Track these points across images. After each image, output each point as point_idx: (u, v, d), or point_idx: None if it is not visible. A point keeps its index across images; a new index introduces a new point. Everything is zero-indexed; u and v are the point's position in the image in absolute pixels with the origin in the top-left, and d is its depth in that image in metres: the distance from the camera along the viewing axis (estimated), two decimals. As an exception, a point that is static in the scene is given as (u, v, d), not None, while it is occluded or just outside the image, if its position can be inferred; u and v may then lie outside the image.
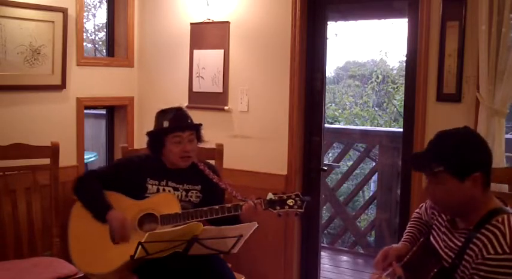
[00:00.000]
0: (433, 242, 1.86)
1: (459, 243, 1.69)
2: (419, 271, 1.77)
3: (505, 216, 1.62)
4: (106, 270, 2.35)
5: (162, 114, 2.58)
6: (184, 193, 2.55)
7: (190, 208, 2.47)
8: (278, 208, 2.39)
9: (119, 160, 2.77)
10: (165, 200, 2.47)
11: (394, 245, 1.99)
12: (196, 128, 2.58)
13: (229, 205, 2.39)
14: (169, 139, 2.50)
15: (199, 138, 2.61)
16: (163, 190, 2.53)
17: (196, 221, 2.27)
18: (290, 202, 2.39)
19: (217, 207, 2.39)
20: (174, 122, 2.50)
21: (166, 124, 2.51)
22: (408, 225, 2.08)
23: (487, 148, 1.69)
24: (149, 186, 2.52)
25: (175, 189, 2.54)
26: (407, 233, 2.04)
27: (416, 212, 2.09)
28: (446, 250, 1.75)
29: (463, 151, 1.65)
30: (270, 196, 2.41)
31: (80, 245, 2.43)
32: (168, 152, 2.53)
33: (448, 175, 1.65)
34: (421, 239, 1.95)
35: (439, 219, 1.87)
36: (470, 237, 1.63)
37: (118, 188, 2.51)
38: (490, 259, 1.54)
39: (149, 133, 2.58)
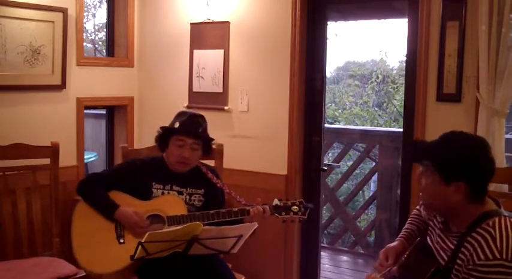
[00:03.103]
0: (429, 242, 1.86)
1: (452, 246, 1.69)
2: (416, 271, 1.77)
3: (496, 219, 1.60)
4: (110, 270, 2.35)
5: (179, 114, 2.59)
6: (188, 197, 2.55)
7: (193, 212, 2.47)
8: (284, 213, 2.42)
9: (123, 163, 2.74)
10: (171, 201, 2.48)
11: (390, 244, 1.99)
12: (204, 139, 2.56)
13: (236, 209, 2.40)
14: (173, 140, 2.51)
15: (207, 150, 2.60)
16: (168, 193, 2.52)
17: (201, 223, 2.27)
18: (295, 208, 2.43)
19: (224, 210, 2.39)
20: (184, 126, 2.51)
21: (177, 125, 2.52)
22: (407, 221, 2.08)
23: (487, 165, 1.65)
24: (154, 190, 2.52)
25: (180, 193, 2.54)
26: (405, 230, 2.04)
27: (417, 209, 2.09)
28: (440, 251, 1.76)
29: (456, 156, 1.64)
30: (275, 201, 2.44)
31: (84, 243, 2.43)
32: (169, 152, 2.54)
33: (434, 172, 1.67)
34: (418, 239, 1.96)
35: (434, 220, 1.87)
36: (462, 241, 1.63)
37: (122, 191, 2.51)
38: (481, 265, 1.54)
39: (161, 128, 2.57)
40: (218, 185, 2.55)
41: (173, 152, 2.51)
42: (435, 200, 1.70)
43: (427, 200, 1.74)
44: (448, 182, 1.64)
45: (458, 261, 1.62)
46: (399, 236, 2.03)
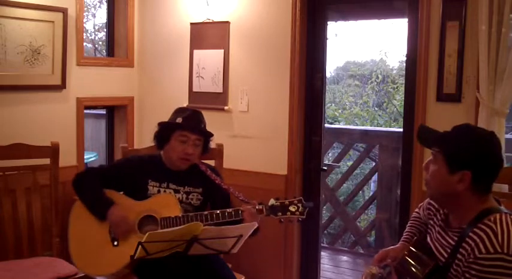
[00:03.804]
0: (429, 240, 1.87)
1: (452, 242, 1.70)
2: (415, 269, 1.77)
3: (497, 215, 1.62)
4: (107, 272, 2.35)
5: (179, 110, 2.58)
6: (185, 196, 2.54)
7: (191, 211, 2.46)
8: (280, 214, 2.38)
9: (119, 160, 2.75)
10: (165, 201, 2.46)
11: (392, 247, 1.99)
12: (206, 135, 2.56)
13: (230, 210, 2.38)
14: (176, 136, 2.49)
15: (205, 148, 2.59)
16: (164, 192, 2.52)
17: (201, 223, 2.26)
18: (292, 208, 2.39)
19: (218, 211, 2.38)
20: (187, 121, 2.49)
21: (179, 120, 2.50)
22: (408, 224, 2.09)
23: (495, 158, 1.67)
24: (150, 188, 2.51)
25: (176, 191, 2.53)
26: (406, 233, 2.05)
27: (416, 212, 2.10)
28: (440, 249, 1.76)
29: (464, 146, 1.66)
30: (272, 201, 2.40)
31: (80, 246, 2.43)
32: (170, 149, 2.51)
33: (442, 160, 1.68)
34: (415, 238, 1.96)
35: (434, 219, 1.88)
36: (463, 236, 1.64)
37: (118, 188, 2.52)
38: (482, 259, 1.54)
39: (160, 124, 2.55)
40: (217, 182, 2.52)
41: (176, 149, 2.49)
42: (440, 188, 1.71)
43: (433, 188, 1.75)
44: (453, 171, 1.65)
45: (459, 256, 1.63)
46: (401, 239, 2.03)
